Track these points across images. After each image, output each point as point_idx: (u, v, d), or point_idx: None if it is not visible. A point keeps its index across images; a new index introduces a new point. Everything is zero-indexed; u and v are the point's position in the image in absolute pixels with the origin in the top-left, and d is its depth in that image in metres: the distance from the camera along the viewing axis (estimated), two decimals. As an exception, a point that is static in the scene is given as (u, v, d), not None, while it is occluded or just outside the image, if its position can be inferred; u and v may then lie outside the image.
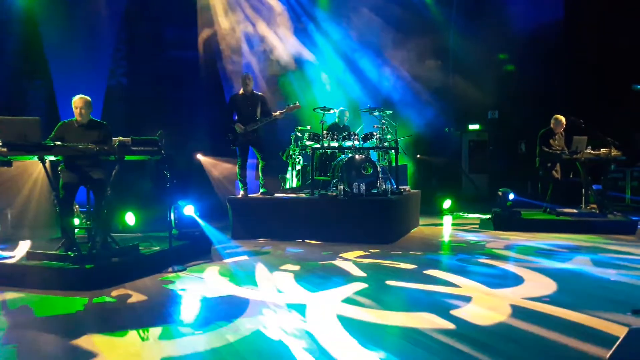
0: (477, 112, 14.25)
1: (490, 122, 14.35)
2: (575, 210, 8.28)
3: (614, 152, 7.86)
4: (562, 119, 8.28)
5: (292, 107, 7.99)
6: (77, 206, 6.22)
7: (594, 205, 8.33)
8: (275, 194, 8.07)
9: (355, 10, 12.28)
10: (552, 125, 8.32)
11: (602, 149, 7.96)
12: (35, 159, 4.86)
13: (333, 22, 12.47)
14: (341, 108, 9.17)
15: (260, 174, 8.00)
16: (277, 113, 7.81)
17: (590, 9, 11.36)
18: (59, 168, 5.38)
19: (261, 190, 7.99)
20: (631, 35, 11.20)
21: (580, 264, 5.58)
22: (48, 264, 4.93)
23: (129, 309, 4.18)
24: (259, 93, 8.05)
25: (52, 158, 5.06)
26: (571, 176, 8.46)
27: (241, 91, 7.84)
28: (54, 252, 5.12)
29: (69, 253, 5.00)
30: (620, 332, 3.27)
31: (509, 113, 13.47)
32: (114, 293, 4.58)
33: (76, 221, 5.96)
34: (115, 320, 3.88)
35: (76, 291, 4.55)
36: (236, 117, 7.76)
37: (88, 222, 5.69)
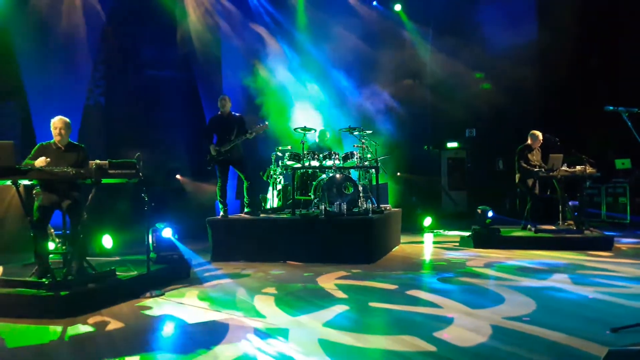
0: (455, 130, 14.46)
1: (468, 140, 14.57)
2: (553, 227, 8.39)
3: (589, 170, 8.02)
4: (539, 134, 8.50)
5: (260, 127, 7.84)
6: (52, 230, 6.06)
7: (571, 222, 8.46)
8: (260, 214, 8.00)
9: (333, 30, 12.40)
10: (529, 141, 8.53)
11: (577, 167, 8.12)
12: (9, 182, 4.75)
13: (311, 41, 12.58)
14: (321, 128, 9.21)
15: (245, 194, 7.93)
16: (247, 133, 7.72)
17: (562, 30, 11.69)
18: (34, 191, 5.25)
19: (246, 210, 7.93)
20: (603, 56, 11.55)
21: (558, 282, 5.63)
22: (21, 291, 4.77)
23: (105, 337, 4.06)
24: (237, 114, 7.97)
25: (27, 182, 4.95)
26: (548, 193, 8.60)
27: (219, 113, 7.82)
28: (27, 278, 4.97)
29: (43, 279, 4.85)
30: (600, 351, 3.30)
31: (486, 131, 13.70)
32: (90, 320, 4.46)
33: (51, 245, 5.81)
34: (91, 350, 3.77)
35: (50, 319, 4.42)
36: (216, 139, 7.72)
37: (63, 247, 5.56)
